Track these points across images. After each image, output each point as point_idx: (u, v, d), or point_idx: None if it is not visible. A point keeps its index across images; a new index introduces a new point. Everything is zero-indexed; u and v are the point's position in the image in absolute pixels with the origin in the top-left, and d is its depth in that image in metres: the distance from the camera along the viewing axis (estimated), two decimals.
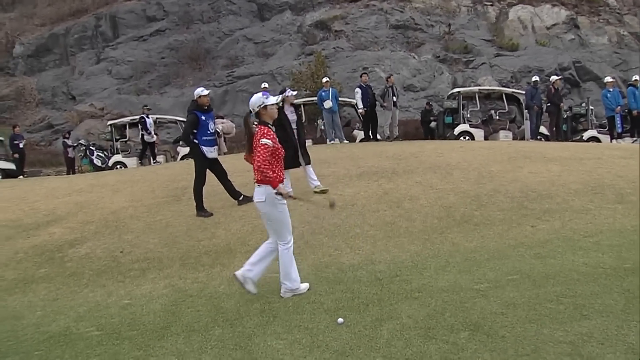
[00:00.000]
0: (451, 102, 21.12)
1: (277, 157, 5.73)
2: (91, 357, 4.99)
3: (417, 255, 6.83)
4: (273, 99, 5.84)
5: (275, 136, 5.75)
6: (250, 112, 5.96)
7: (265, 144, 5.59)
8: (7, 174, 21.41)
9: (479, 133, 19.67)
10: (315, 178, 9.60)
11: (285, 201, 5.74)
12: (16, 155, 21.64)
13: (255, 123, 6.00)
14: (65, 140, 22.17)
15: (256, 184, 5.74)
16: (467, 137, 19.51)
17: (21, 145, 21.65)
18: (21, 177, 20.59)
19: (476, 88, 22.30)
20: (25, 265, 7.92)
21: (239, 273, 5.86)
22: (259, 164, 5.57)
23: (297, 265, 5.92)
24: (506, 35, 30.93)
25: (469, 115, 20.55)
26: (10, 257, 8.26)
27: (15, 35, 36.06)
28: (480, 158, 11.39)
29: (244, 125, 6.03)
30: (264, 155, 5.57)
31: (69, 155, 22.09)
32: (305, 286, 5.90)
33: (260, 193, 5.70)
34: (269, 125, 5.79)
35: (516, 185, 9.22)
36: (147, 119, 19.97)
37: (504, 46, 30.38)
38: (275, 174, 5.65)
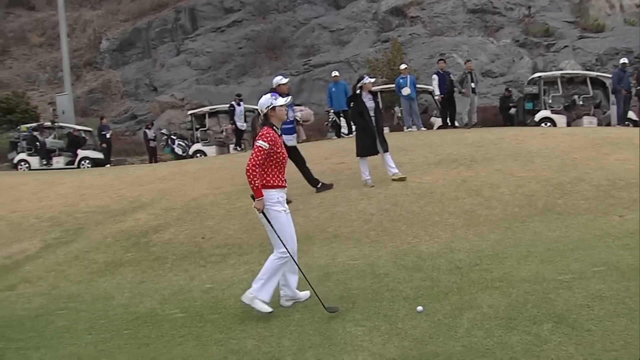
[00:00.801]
0: (531, 87, 20.44)
1: (276, 162, 5.43)
2: (176, 337, 5.19)
3: (498, 244, 6.69)
4: (282, 100, 5.55)
5: (277, 139, 5.44)
6: (259, 113, 5.70)
7: (260, 146, 5.31)
8: (96, 163, 22.48)
9: (561, 119, 18.95)
10: (394, 165, 9.55)
11: (279, 208, 5.41)
12: (104, 145, 22.66)
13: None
14: (147, 130, 22.95)
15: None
16: (549, 124, 18.84)
17: (108, 136, 22.63)
18: (108, 165, 21.52)
19: (558, 72, 21.45)
20: (113, 249, 8.31)
21: (303, 296, 5.73)
22: (247, 167, 5.27)
23: (375, 253, 5.92)
24: (591, 15, 29.52)
25: (550, 101, 19.80)
26: (100, 242, 8.69)
27: (102, 32, 37.64)
28: (562, 145, 11.01)
29: (252, 128, 5.86)
30: (255, 158, 5.28)
31: (150, 145, 22.86)
32: (267, 308, 5.36)
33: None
34: (274, 127, 5.50)
35: (602, 173, 8.85)
36: (236, 106, 20.38)
37: (589, 27, 29.01)
38: (267, 180, 5.38)
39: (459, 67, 23.63)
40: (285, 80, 9.29)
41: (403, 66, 17.68)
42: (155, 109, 31.31)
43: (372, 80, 9.87)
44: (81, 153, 23.31)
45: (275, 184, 5.43)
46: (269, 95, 5.59)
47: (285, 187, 5.57)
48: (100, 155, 23.00)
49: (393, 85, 18.09)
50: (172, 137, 22.81)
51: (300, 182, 9.68)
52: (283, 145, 5.57)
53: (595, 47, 27.48)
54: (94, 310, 6.22)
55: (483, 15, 30.85)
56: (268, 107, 5.52)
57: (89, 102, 33.42)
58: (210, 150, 21.39)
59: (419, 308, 5.01)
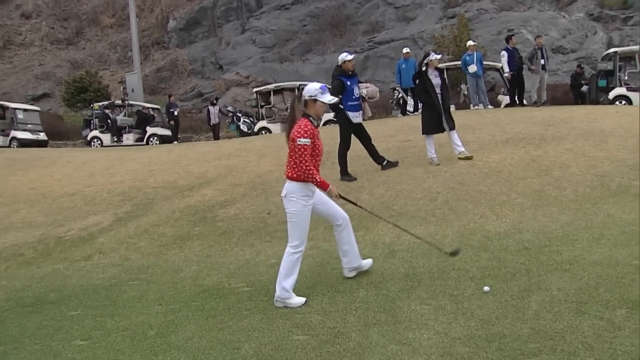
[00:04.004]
0: (606, 63, 19.58)
1: (315, 154, 5.27)
2: (242, 310, 5.29)
3: (568, 225, 6.50)
4: (328, 98, 5.34)
5: (315, 131, 5.26)
6: (301, 97, 5.45)
7: (304, 145, 5.14)
8: (164, 140, 23.07)
9: (637, 97, 18.11)
10: (460, 144, 9.39)
11: (304, 203, 5.29)
12: (171, 122, 23.23)
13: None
14: (210, 107, 23.30)
15: (286, 179, 5.38)
16: (624, 102, 18.04)
17: (176, 113, 23.18)
18: (175, 142, 22.05)
19: (636, 47, 20.43)
20: (181, 224, 8.54)
21: (346, 273, 5.72)
22: (304, 169, 5.15)
23: (441, 232, 5.85)
24: None
25: (626, 78, 18.92)
26: (169, 216, 8.94)
27: (169, 11, 38.38)
28: (638, 124, 10.54)
29: (290, 109, 5.60)
30: (304, 160, 5.14)
31: (212, 122, 23.23)
32: (299, 300, 5.30)
33: (285, 187, 5.36)
34: (311, 119, 5.29)
35: None
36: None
37: None
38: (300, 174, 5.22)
39: (529, 43, 22.92)
40: (350, 57, 9.25)
41: (470, 43, 17.26)
42: (221, 87, 31.79)
43: (439, 56, 9.68)
44: (150, 130, 23.98)
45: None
46: (318, 85, 5.39)
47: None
48: (168, 132, 23.61)
49: (459, 62, 17.70)
50: (238, 114, 23.12)
51: (365, 160, 9.66)
52: (318, 137, 5.34)
53: None
54: (163, 282, 6.44)
55: None
56: (311, 96, 5.31)
57: (157, 80, 34.25)
58: (275, 127, 21.57)
59: (486, 288, 4.94)
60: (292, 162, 5.25)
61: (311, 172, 5.16)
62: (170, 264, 7.13)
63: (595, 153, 8.97)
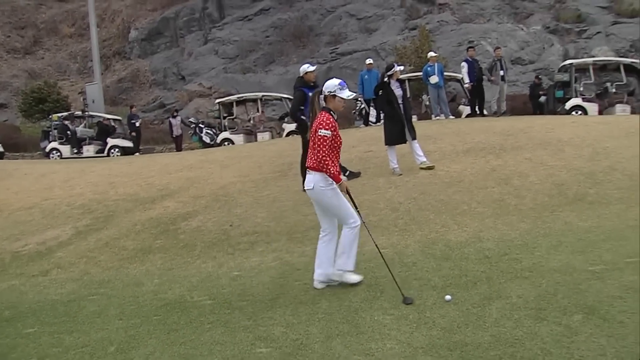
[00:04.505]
0: (562, 75, 20.04)
1: (334, 147, 5.46)
2: (204, 324, 5.23)
3: (527, 233, 6.61)
4: (346, 93, 5.55)
5: (335, 124, 5.48)
6: (321, 92, 5.70)
7: (324, 136, 5.37)
8: (125, 151, 22.75)
9: (592, 107, 18.57)
10: (422, 154, 9.49)
11: (334, 185, 5.47)
12: (133, 134, 22.95)
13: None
14: (171, 120, 23.18)
15: (308, 170, 5.60)
16: (580, 112, 18.49)
17: (137, 124, 22.93)
18: (137, 154, 21.78)
19: (590, 59, 21.02)
20: (143, 236, 8.43)
21: (316, 284, 5.74)
22: (320, 158, 5.38)
23: (403, 241, 5.90)
24: (625, 0, 28.86)
25: (582, 89, 19.41)
26: (130, 229, 8.82)
27: (131, 21, 37.99)
28: (594, 133, 10.82)
29: (310, 103, 5.86)
30: (324, 148, 5.36)
31: (174, 134, 23.07)
32: (357, 278, 5.63)
33: (310, 180, 5.54)
34: (331, 113, 5.54)
35: (635, 162, 8.67)
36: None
37: (623, 13, 28.33)
38: (335, 168, 5.44)
39: (488, 54, 23.35)
40: (312, 69, 9.28)
41: (431, 54, 17.51)
42: (183, 98, 31.56)
43: (402, 68, 9.80)
44: (111, 141, 23.60)
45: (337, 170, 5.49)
46: (338, 81, 5.60)
47: (340, 172, 5.60)
48: (129, 144, 23.29)
49: (421, 73, 17.92)
50: (200, 125, 22.96)
51: None
52: (338, 130, 5.56)
53: (629, 33, 26.84)
54: (124, 296, 6.32)
55: (512, 2, 30.41)
56: (330, 92, 5.54)
57: (118, 91, 33.82)
58: (238, 138, 21.49)
59: (448, 297, 4.99)
60: (314, 153, 5.48)
61: (327, 163, 5.35)
62: (131, 277, 7.01)
63: (553, 162, 9.16)
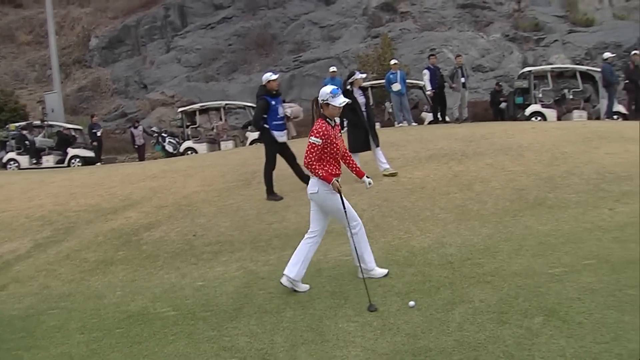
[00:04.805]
0: (522, 81, 20.47)
1: (330, 153, 5.64)
2: (168, 336, 5.18)
3: (489, 238, 6.71)
4: (339, 101, 5.65)
5: (330, 132, 5.62)
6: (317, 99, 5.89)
7: (313, 143, 5.58)
8: (86, 161, 22.36)
9: (551, 113, 19.00)
10: (385, 161, 9.55)
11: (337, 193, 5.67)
12: (94, 143, 22.57)
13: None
14: (133, 130, 22.90)
15: (311, 175, 5.75)
16: (539, 118, 18.88)
17: (99, 134, 22.54)
18: (99, 164, 21.42)
19: (548, 67, 21.49)
20: (105, 248, 8.27)
21: (284, 280, 5.80)
22: (307, 162, 5.62)
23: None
24: (580, 10, 29.62)
25: (540, 95, 19.83)
26: (92, 240, 8.65)
27: (91, 29, 37.40)
28: (553, 139, 11.04)
29: (312, 108, 6.01)
30: (311, 154, 5.58)
31: (136, 144, 22.82)
32: (382, 272, 5.85)
33: (313, 184, 5.72)
34: (327, 120, 5.69)
35: (592, 166, 8.89)
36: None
37: (578, 22, 29.11)
38: (325, 171, 5.61)
39: (450, 62, 23.64)
40: (275, 77, 9.27)
41: (393, 62, 17.67)
42: (146, 107, 31.18)
43: (364, 76, 9.85)
44: (71, 151, 23.17)
45: (332, 172, 5.67)
46: (329, 89, 5.70)
47: (340, 174, 5.78)
48: (90, 154, 22.88)
49: (383, 81, 18.06)
50: (163, 134, 22.72)
51: (291, 179, 9.66)
52: (337, 137, 5.70)
53: (584, 41, 27.58)
54: (86, 309, 6.20)
55: (473, 10, 30.90)
56: (324, 100, 5.67)
57: (78, 100, 33.22)
58: (201, 147, 21.33)
59: (411, 303, 5.02)
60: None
61: (313, 166, 5.57)
62: (93, 290, 6.88)
63: (513, 167, 9.31)
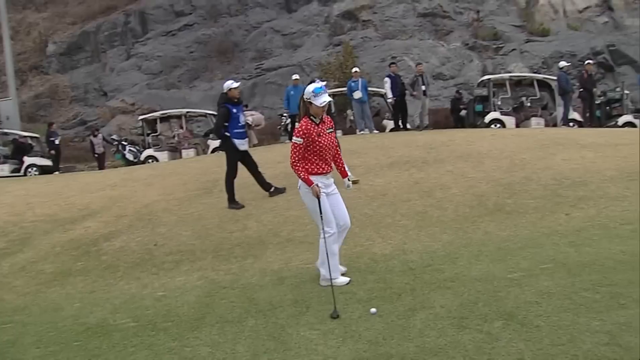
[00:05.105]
0: (481, 89, 20.84)
1: (313, 151, 5.73)
2: (128, 347, 5.08)
3: (450, 244, 6.79)
4: (320, 100, 5.68)
5: (311, 130, 5.69)
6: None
7: (294, 143, 5.70)
8: (44, 170, 21.87)
9: (510, 120, 19.38)
10: (346, 168, 9.57)
11: (321, 193, 5.75)
12: (52, 152, 22.11)
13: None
14: (92, 138, 22.54)
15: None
16: (498, 125, 19.23)
17: (57, 142, 22.11)
18: (57, 172, 20.99)
19: (506, 75, 21.96)
20: (62, 259, 8.09)
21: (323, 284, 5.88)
22: (291, 162, 5.75)
23: None
24: (537, 20, 30.36)
25: (499, 103, 20.21)
26: (49, 251, 8.45)
27: (48, 35, 36.69)
28: (511, 146, 11.24)
29: (298, 108, 6.02)
30: (293, 155, 5.70)
31: (96, 152, 22.46)
32: (343, 280, 5.84)
33: (299, 181, 5.84)
34: (312, 118, 5.76)
35: (549, 172, 9.08)
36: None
37: (535, 32, 29.83)
38: (306, 171, 5.72)
39: (410, 70, 23.93)
40: (236, 85, 9.25)
41: (355, 70, 17.78)
42: (106, 114, 30.73)
43: (323, 83, 9.86)
44: (27, 160, 22.62)
45: (315, 171, 5.76)
46: (312, 87, 5.77)
47: (327, 173, 5.85)
48: (48, 162, 22.40)
49: (345, 89, 18.15)
50: (123, 142, 22.40)
51: (253, 187, 9.63)
52: (322, 134, 5.74)
53: (541, 50, 28.26)
54: (42, 322, 6.03)
55: (433, 19, 31.36)
56: (307, 99, 5.73)
57: (35, 107, 32.53)
58: (162, 155, 21.09)
59: (373, 310, 5.04)
60: None
61: (296, 166, 5.70)
62: (50, 302, 6.70)
63: (473, 174, 9.45)
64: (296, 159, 5.70)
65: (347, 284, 5.79)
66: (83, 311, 6.22)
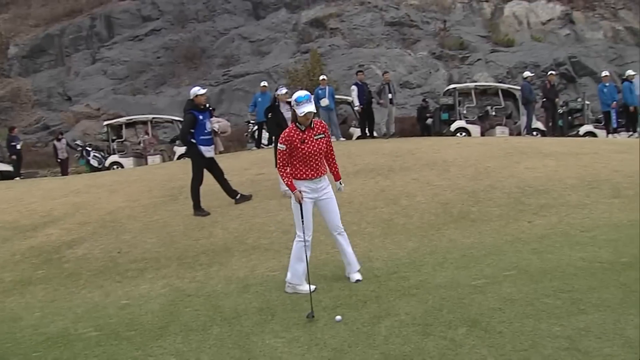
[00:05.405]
0: (447, 98, 21.05)
1: (297, 157, 5.82)
2: (89, 357, 4.99)
3: (415, 252, 6.84)
4: (300, 110, 5.72)
5: (294, 137, 5.78)
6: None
7: (278, 149, 5.84)
8: (4, 176, 21.34)
9: (475, 129, 19.64)
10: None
11: (305, 198, 5.85)
12: (13, 157, 21.61)
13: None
14: (56, 143, 22.15)
15: None
16: (464, 134, 19.47)
17: (18, 147, 21.60)
18: (18, 178, 20.54)
19: (472, 84, 22.28)
20: (22, 267, 7.91)
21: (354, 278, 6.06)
22: (278, 169, 5.91)
23: None
24: (502, 31, 30.92)
25: (465, 112, 20.47)
26: (8, 259, 8.25)
27: (10, 37, 35.94)
28: (476, 154, 11.40)
29: (292, 111, 6.08)
30: (279, 161, 5.87)
31: (59, 157, 22.06)
32: (305, 289, 5.79)
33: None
34: (297, 125, 5.83)
35: (513, 180, 9.22)
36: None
37: (500, 42, 30.37)
38: (290, 178, 5.82)
39: (378, 78, 24.09)
40: (202, 91, 9.21)
41: (322, 77, 17.84)
42: (70, 119, 30.20)
43: (285, 91, 9.91)
44: None
45: (300, 176, 5.86)
46: (296, 95, 5.84)
47: (313, 178, 5.89)
48: (9, 168, 21.88)
49: (312, 96, 18.15)
50: (87, 148, 22.04)
51: (219, 194, 9.58)
52: (307, 141, 5.81)
53: (506, 60, 28.75)
54: (0, 333, 5.89)
55: (401, 28, 31.66)
56: (292, 105, 5.87)
57: None
58: (127, 162, 20.82)
59: (338, 317, 5.04)
60: None
61: (281, 172, 5.85)
62: (8, 312, 6.53)
63: (438, 182, 9.55)
64: (281, 164, 5.84)
65: (312, 292, 5.74)
66: (43, 321, 6.09)
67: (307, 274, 5.82)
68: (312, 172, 5.88)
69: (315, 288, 5.84)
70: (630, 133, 17.81)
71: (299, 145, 5.78)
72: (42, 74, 34.01)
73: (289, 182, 5.81)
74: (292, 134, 5.81)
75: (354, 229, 7.74)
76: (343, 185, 6.34)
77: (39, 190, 13.10)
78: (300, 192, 5.80)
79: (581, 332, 4.31)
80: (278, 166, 5.90)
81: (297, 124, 5.84)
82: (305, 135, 5.81)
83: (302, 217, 5.81)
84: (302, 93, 5.88)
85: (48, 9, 37.30)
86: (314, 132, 5.87)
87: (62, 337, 5.53)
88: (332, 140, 16.25)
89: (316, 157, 5.88)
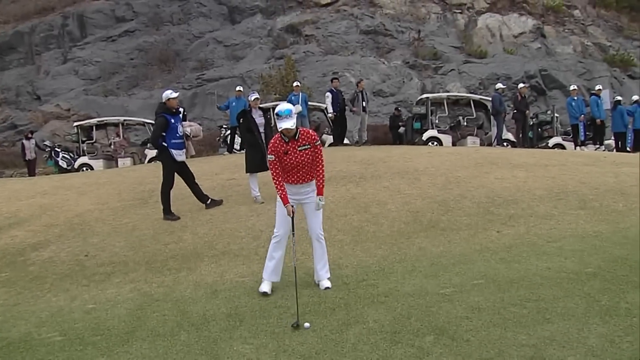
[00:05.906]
0: (420, 107, 21.22)
1: (283, 166, 5.96)
2: None
3: (384, 259, 6.87)
4: (279, 125, 5.79)
5: (279, 147, 5.88)
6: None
7: (269, 160, 5.94)
8: None
9: (447, 139, 19.84)
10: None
11: (278, 199, 5.99)
12: None
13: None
14: (25, 142, 21.76)
15: None
16: (435, 143, 19.63)
17: None
18: None
19: (445, 94, 22.50)
20: None
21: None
22: (272, 178, 5.99)
23: (263, 270, 5.94)
24: (475, 42, 31.31)
25: (437, 121, 20.69)
26: None
27: None
28: (447, 164, 11.50)
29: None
30: (271, 172, 5.96)
31: (27, 157, 21.68)
32: (263, 286, 6.05)
33: None
34: (282, 135, 5.90)
35: (482, 190, 9.33)
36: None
37: (473, 53, 30.74)
38: (282, 190, 5.92)
39: (351, 86, 24.15)
40: (175, 95, 9.14)
41: (295, 84, 17.85)
42: (38, 119, 29.66)
43: (255, 96, 9.92)
44: None
45: (284, 180, 6.00)
46: (278, 109, 5.87)
47: (295, 184, 6.04)
48: None
49: (294, 110, 18.12)
50: (57, 149, 21.69)
51: (189, 198, 9.51)
52: (289, 152, 5.90)
53: (478, 71, 29.10)
54: None
55: (375, 37, 31.83)
56: (276, 118, 5.94)
57: None
58: (97, 163, 20.54)
59: (306, 324, 5.05)
60: None
61: (274, 182, 5.95)
62: None
63: (409, 190, 9.61)
64: (275, 174, 5.94)
65: (263, 294, 5.96)
66: (5, 325, 5.97)
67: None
68: (295, 180, 6.01)
69: (267, 294, 6.01)
70: (597, 146, 18.19)
71: (282, 156, 5.89)
72: (10, 72, 33.36)
73: (282, 195, 5.88)
74: (276, 144, 5.93)
75: (324, 236, 7.74)
76: (323, 202, 6.26)
77: (5, 190, 12.85)
78: (292, 206, 5.92)
79: (546, 341, 4.38)
80: (273, 178, 5.97)
81: (282, 134, 5.92)
82: (288, 147, 5.89)
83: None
84: (284, 107, 5.88)
85: (18, 6, 36.66)
86: (298, 144, 5.91)
87: (24, 342, 5.44)
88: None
89: (299, 168, 5.96)
